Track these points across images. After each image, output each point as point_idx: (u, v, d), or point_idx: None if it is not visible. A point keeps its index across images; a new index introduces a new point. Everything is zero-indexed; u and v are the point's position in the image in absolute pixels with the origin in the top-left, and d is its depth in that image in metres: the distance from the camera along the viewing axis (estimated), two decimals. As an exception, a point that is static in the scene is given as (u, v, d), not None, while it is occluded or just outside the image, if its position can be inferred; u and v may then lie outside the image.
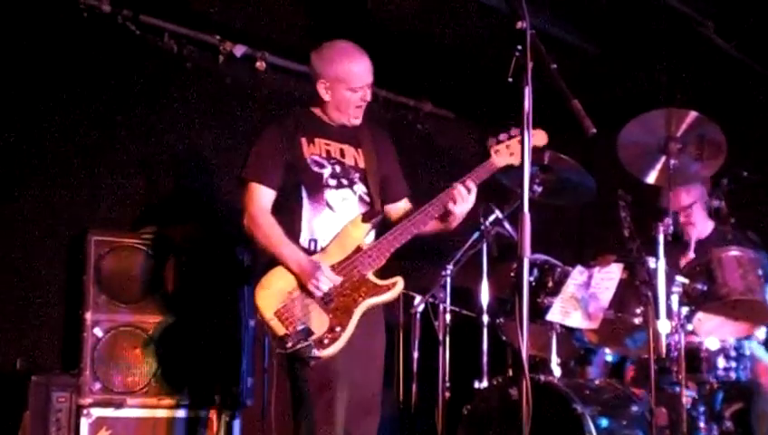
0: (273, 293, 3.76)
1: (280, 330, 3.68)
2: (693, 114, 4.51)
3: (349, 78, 3.92)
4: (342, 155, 4.00)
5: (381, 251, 3.82)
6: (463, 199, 3.82)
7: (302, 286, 3.75)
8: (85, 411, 4.98)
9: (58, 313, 5.40)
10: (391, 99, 6.91)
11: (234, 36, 6.10)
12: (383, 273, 3.88)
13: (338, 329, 3.70)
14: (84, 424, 4.97)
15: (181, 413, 5.23)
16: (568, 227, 7.00)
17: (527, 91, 2.80)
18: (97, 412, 5.02)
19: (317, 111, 4.05)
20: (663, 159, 4.60)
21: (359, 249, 3.83)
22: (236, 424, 5.40)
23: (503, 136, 3.94)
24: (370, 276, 3.82)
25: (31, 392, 4.90)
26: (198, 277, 5.40)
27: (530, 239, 2.76)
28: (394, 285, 3.84)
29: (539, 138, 3.95)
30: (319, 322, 3.70)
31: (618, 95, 6.33)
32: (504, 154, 3.93)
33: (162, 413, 5.19)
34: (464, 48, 6.28)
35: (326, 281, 3.71)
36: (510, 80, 2.84)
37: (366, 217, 3.89)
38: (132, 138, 5.74)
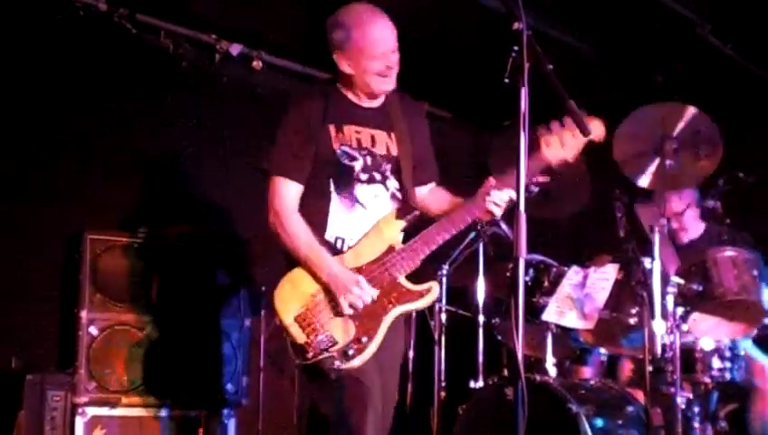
0: (293, 295, 3.41)
1: (300, 337, 3.33)
2: (690, 110, 4.51)
3: (369, 46, 3.51)
4: (373, 143, 3.61)
5: (416, 252, 3.47)
6: (500, 206, 3.48)
7: (327, 290, 3.41)
8: (80, 410, 4.99)
9: (53, 311, 5.41)
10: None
11: (230, 35, 6.09)
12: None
13: (364, 339, 3.35)
14: (79, 423, 4.98)
15: (176, 412, 5.25)
16: (564, 227, 7.00)
17: (523, 92, 2.80)
18: (92, 411, 5.03)
19: (343, 88, 3.65)
20: (658, 160, 4.59)
21: (391, 249, 3.48)
22: (232, 423, 5.40)
23: (555, 126, 3.45)
24: (402, 280, 3.46)
25: (26, 391, 4.90)
26: (194, 277, 5.40)
27: (526, 239, 2.76)
28: (428, 291, 3.47)
29: (595, 129, 3.37)
30: (344, 330, 3.36)
31: (614, 96, 6.33)
32: (555, 147, 3.45)
33: (157, 412, 5.20)
34: (460, 48, 6.28)
35: (364, 297, 3.38)
36: (506, 80, 2.82)
37: (400, 214, 3.53)
38: (128, 137, 5.74)
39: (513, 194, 3.38)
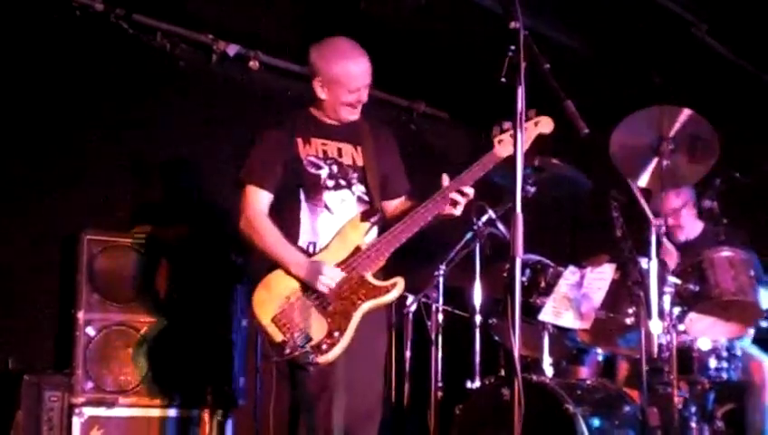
0: (270, 298, 3.69)
1: (277, 336, 3.61)
2: (686, 112, 4.52)
3: (346, 80, 3.83)
4: (340, 154, 3.92)
5: (380, 251, 3.74)
6: (460, 202, 3.73)
7: (302, 290, 3.68)
8: (77, 411, 4.98)
9: (51, 312, 5.40)
10: (385, 99, 6.90)
11: (227, 35, 6.09)
12: (382, 272, 3.81)
13: (336, 334, 3.61)
14: (76, 423, 4.97)
15: (173, 413, 5.23)
16: (560, 227, 7.01)
17: (520, 92, 2.80)
18: (89, 411, 5.02)
19: (314, 109, 3.97)
20: (655, 160, 4.61)
21: (357, 250, 3.75)
22: (229, 424, 5.40)
23: (507, 124, 3.71)
24: (369, 278, 3.72)
25: (23, 391, 4.89)
26: (190, 277, 5.40)
27: (522, 239, 2.76)
28: (394, 286, 3.73)
29: (545, 124, 3.76)
30: (317, 327, 3.62)
31: (611, 96, 6.34)
32: (507, 144, 3.71)
33: (154, 413, 5.19)
34: (457, 48, 6.28)
35: (332, 277, 3.65)
36: (503, 80, 2.84)
37: (365, 217, 3.81)
38: (125, 137, 5.73)
39: (468, 190, 3.73)
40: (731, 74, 6.29)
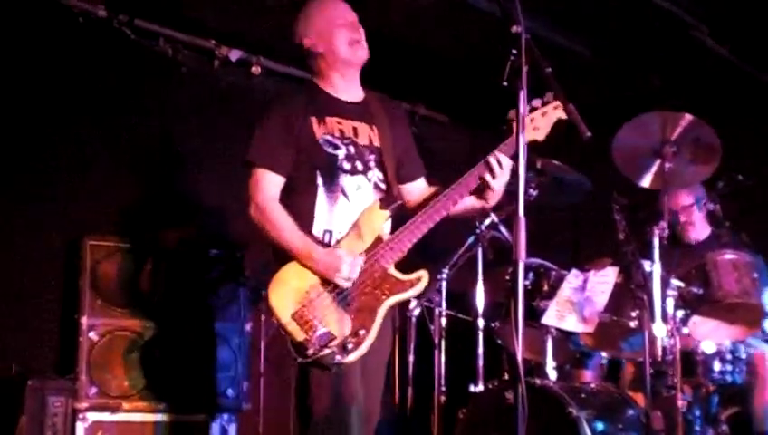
0: (288, 292, 3.40)
1: (299, 335, 3.32)
2: (687, 117, 4.53)
3: (330, 18, 3.69)
4: (356, 134, 3.64)
5: (403, 241, 3.47)
6: (498, 172, 3.44)
7: (322, 284, 3.41)
8: (81, 416, 4.99)
9: (54, 317, 5.40)
10: (386, 102, 6.90)
11: (229, 41, 6.10)
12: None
13: (362, 332, 3.36)
14: (80, 428, 4.98)
15: (177, 417, 5.24)
16: (563, 230, 7.01)
17: (522, 95, 2.80)
18: (93, 417, 5.03)
19: (323, 84, 3.72)
20: (658, 162, 4.61)
21: (379, 240, 3.49)
22: (232, 428, 5.40)
23: (534, 102, 3.45)
24: (392, 271, 3.47)
25: (27, 397, 4.89)
26: (193, 281, 5.40)
27: (525, 243, 2.76)
28: (419, 280, 3.48)
29: (561, 112, 3.41)
30: (341, 324, 3.36)
31: (612, 99, 6.34)
32: (527, 129, 3.40)
33: (158, 417, 5.20)
34: (458, 52, 6.29)
35: (352, 269, 3.39)
36: (505, 83, 2.83)
37: (384, 204, 3.54)
38: (128, 142, 5.74)
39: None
40: (732, 76, 6.29)
